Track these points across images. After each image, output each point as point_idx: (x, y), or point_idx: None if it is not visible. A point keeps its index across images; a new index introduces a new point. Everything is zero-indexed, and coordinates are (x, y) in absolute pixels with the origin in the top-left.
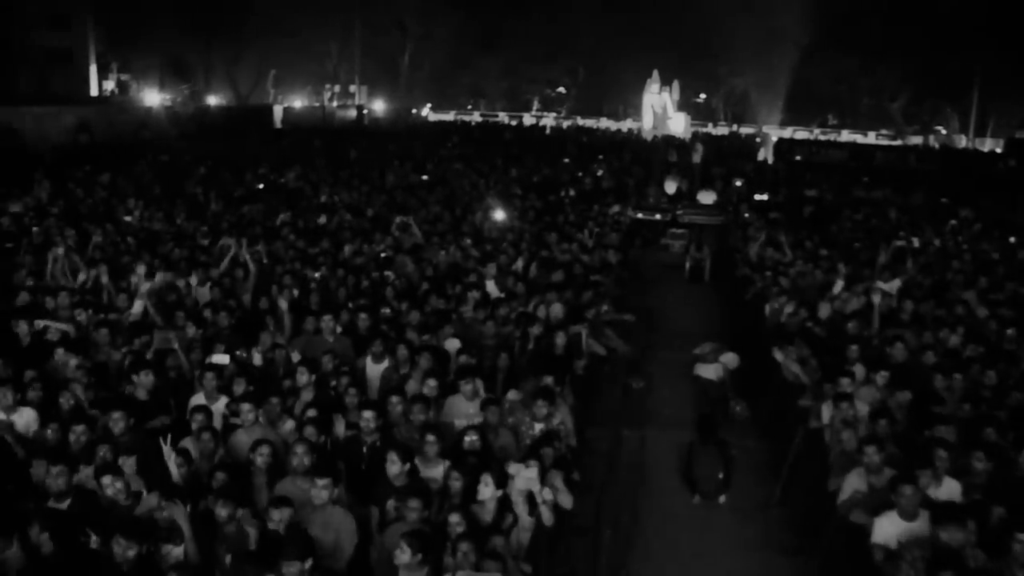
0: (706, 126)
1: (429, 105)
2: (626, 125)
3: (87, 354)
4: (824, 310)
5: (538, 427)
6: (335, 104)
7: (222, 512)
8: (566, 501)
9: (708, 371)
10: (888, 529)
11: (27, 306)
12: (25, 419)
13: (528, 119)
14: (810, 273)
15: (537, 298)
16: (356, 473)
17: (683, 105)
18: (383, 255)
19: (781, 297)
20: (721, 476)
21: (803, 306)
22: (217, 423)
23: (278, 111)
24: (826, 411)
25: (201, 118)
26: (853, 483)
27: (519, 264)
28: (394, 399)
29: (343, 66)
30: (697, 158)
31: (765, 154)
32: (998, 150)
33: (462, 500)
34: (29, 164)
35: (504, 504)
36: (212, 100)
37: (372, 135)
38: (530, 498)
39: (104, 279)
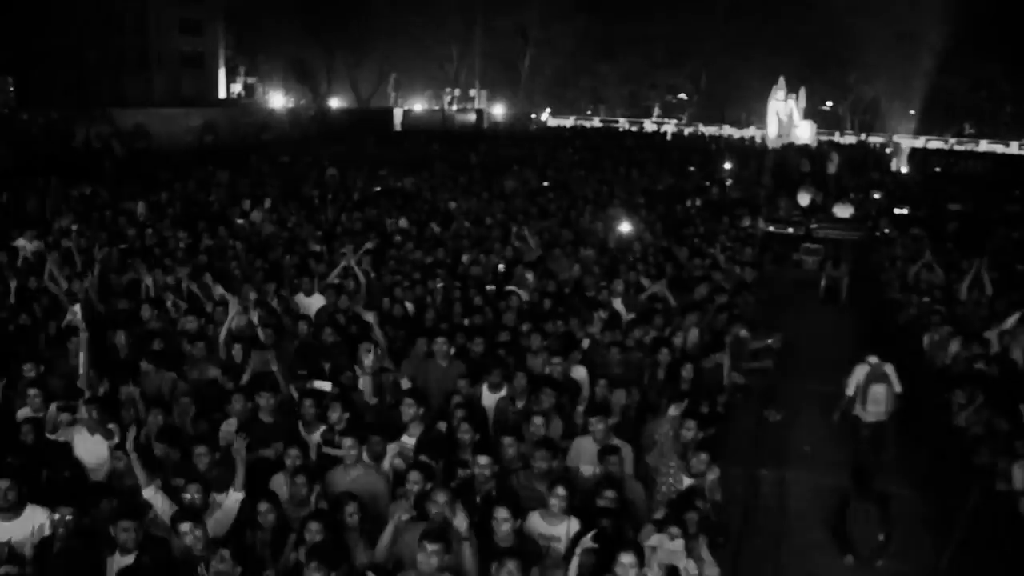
0: (832, 135)
1: (548, 110)
2: (749, 133)
3: (180, 371)
4: (992, 345)
5: (686, 482)
6: (455, 108)
7: None
8: (712, 574)
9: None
10: None
11: (127, 313)
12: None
13: (649, 125)
14: (977, 301)
15: (677, 320)
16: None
17: (809, 113)
18: (500, 267)
19: (943, 327)
20: (881, 538)
21: (974, 341)
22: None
23: (398, 114)
24: (1020, 473)
25: (322, 120)
26: None
27: (657, 285)
28: (507, 440)
29: (463, 70)
30: (832, 168)
31: (898, 165)
32: None
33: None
34: (157, 163)
35: None
36: (334, 103)
37: (491, 139)
38: (671, 573)
39: (193, 287)
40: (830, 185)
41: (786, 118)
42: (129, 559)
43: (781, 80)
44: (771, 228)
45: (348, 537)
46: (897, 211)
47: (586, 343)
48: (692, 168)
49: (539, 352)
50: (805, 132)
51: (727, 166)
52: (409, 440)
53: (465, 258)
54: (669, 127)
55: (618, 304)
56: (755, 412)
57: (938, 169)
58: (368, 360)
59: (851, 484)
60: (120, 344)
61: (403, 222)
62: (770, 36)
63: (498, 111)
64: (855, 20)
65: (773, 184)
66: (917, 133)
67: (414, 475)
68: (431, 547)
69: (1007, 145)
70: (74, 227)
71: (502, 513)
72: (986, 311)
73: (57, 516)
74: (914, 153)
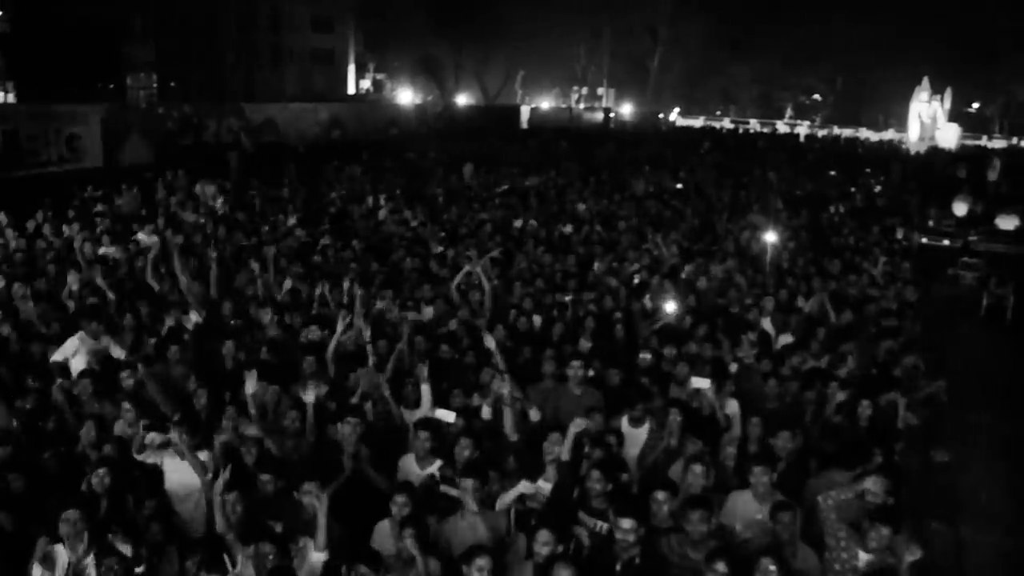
0: (980, 138)
1: (677, 110)
2: (887, 135)
3: (285, 386)
4: None
5: (863, 558)
6: (582, 106)
7: None
8: None
9: None
10: None
11: (237, 322)
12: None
13: (781, 127)
14: None
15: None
16: None
17: (954, 115)
18: (636, 278)
19: None
20: None
21: None
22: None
23: (525, 112)
24: None
25: (449, 117)
26: None
27: (812, 301)
28: (660, 496)
29: (591, 68)
30: (994, 175)
31: None
32: None
33: None
34: (284, 156)
35: None
36: (461, 99)
37: (619, 139)
38: None
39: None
40: (990, 194)
41: (929, 120)
42: None
43: (925, 81)
44: (925, 240)
45: None
46: None
47: (733, 368)
48: (833, 172)
49: (685, 381)
50: (950, 135)
51: (867, 170)
52: (546, 485)
53: (596, 266)
54: (802, 129)
55: (767, 324)
56: (919, 452)
57: None
58: (504, 389)
59: None
60: (228, 353)
61: (532, 224)
62: (911, 35)
63: (626, 110)
64: (1004, 16)
65: (919, 191)
66: None
67: (544, 535)
68: None
69: None
70: (202, 221)
71: None
72: None
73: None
74: None
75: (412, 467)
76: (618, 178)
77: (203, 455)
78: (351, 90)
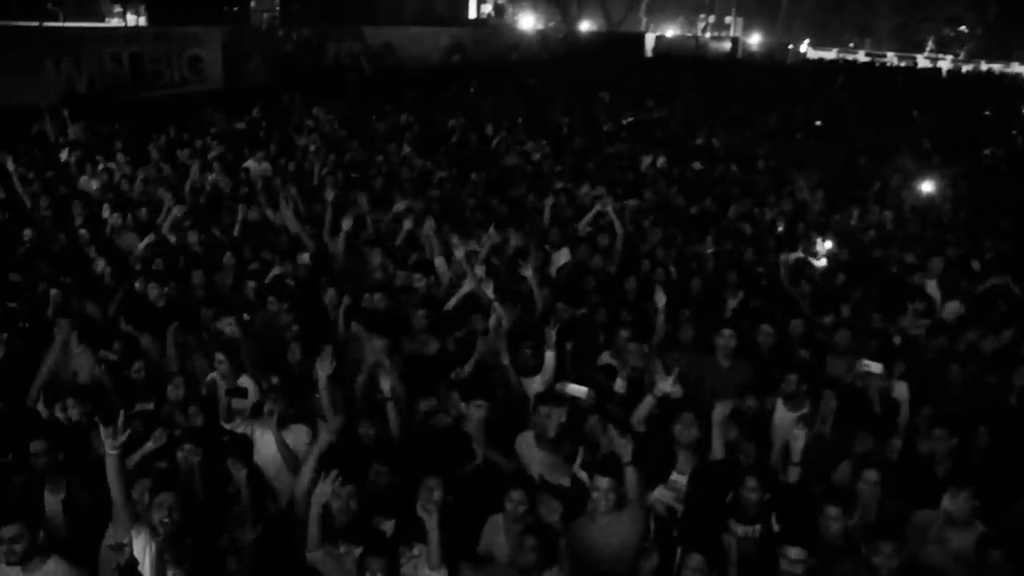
0: None
1: (807, 41)
2: None
3: (397, 343)
4: None
5: None
6: (708, 36)
7: None
8: None
9: None
10: None
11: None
12: (295, 438)
13: (922, 61)
14: None
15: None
16: None
17: None
18: (779, 227)
19: None
20: None
21: None
22: None
23: (649, 39)
24: None
25: (571, 43)
26: None
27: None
28: (832, 512)
29: None
30: None
31: None
32: None
33: None
34: (402, 81)
35: None
36: (583, 26)
37: (748, 70)
38: None
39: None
40: None
41: None
42: None
43: None
44: None
45: None
46: None
47: (896, 341)
48: (987, 112)
49: (845, 354)
50: None
51: None
52: (680, 478)
53: (732, 210)
54: (944, 63)
55: (932, 288)
56: None
57: None
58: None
59: None
60: (330, 302)
61: (662, 161)
62: None
63: (754, 40)
64: None
65: None
66: None
67: (696, 561)
68: None
69: None
70: (312, 147)
71: None
72: None
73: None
74: None
75: (531, 448)
76: (749, 111)
77: (298, 431)
78: (472, 14)
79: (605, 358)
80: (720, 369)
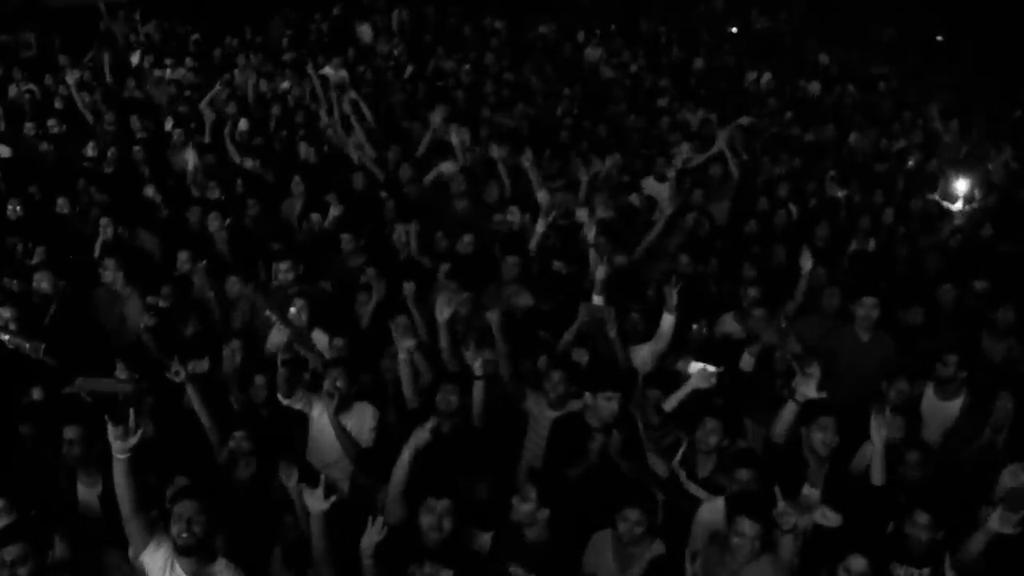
0: None
1: None
2: None
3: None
4: None
5: None
6: None
7: None
8: None
9: None
10: None
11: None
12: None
13: None
14: None
15: None
16: None
17: None
18: (910, 162)
19: None
20: None
21: None
22: None
23: None
24: None
25: None
26: None
27: None
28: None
29: None
30: None
31: None
32: None
33: None
34: None
35: None
36: None
37: None
38: None
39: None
40: None
41: None
42: None
43: None
44: None
45: None
46: None
47: None
48: None
49: (1007, 337)
50: None
51: None
52: (812, 492)
53: (853, 138)
54: None
55: None
56: None
57: None
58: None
59: None
60: (399, 240)
61: (767, 78)
62: None
63: None
64: None
65: None
66: None
67: None
68: None
69: None
70: (397, 51)
71: None
72: None
73: None
74: None
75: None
76: (862, 23)
77: (362, 411)
78: None
79: (727, 323)
80: (858, 343)
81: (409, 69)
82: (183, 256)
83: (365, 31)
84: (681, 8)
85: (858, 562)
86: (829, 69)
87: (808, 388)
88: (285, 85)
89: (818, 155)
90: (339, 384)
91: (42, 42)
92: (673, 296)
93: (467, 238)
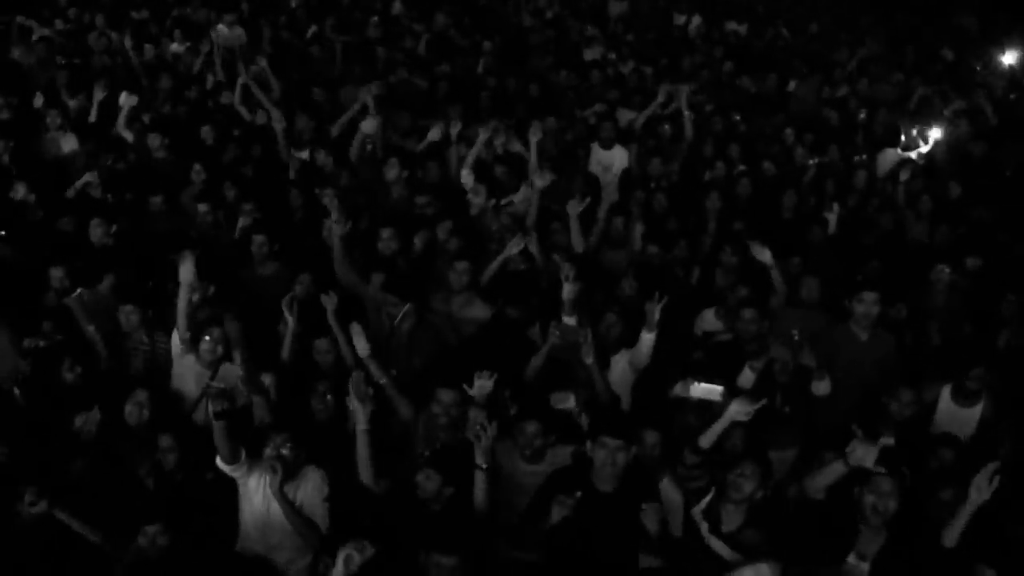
0: None
1: None
2: None
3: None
4: None
5: None
6: None
7: None
8: None
9: None
10: None
11: None
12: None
13: None
14: None
15: None
16: None
17: None
18: (861, 115)
19: None
20: None
21: None
22: None
23: None
24: None
25: None
26: None
27: None
28: None
29: None
30: None
31: None
32: None
33: None
34: None
35: None
36: None
37: None
38: None
39: None
40: None
41: None
42: None
43: None
44: None
45: None
46: None
47: None
48: None
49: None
50: None
51: None
52: (860, 564)
53: (793, 87)
54: None
55: None
56: None
57: None
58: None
59: None
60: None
61: (697, 21)
62: None
63: None
64: None
65: None
66: None
67: None
68: None
69: None
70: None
71: None
72: None
73: None
74: None
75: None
76: None
77: (310, 480)
78: None
79: (707, 321)
80: (856, 342)
81: (312, 28)
82: (57, 274)
83: None
84: None
85: None
86: (755, 8)
87: (867, 457)
88: (175, 47)
89: (769, 109)
90: (284, 452)
91: None
92: (655, 314)
93: (386, 233)
